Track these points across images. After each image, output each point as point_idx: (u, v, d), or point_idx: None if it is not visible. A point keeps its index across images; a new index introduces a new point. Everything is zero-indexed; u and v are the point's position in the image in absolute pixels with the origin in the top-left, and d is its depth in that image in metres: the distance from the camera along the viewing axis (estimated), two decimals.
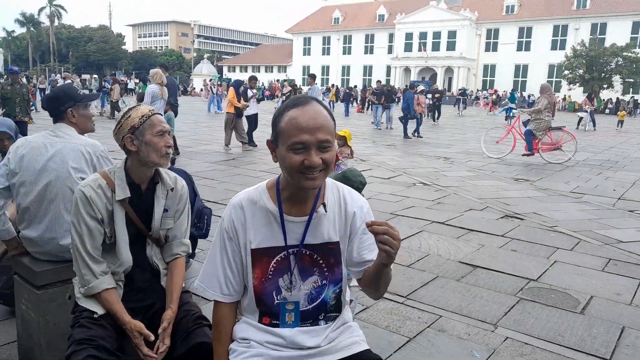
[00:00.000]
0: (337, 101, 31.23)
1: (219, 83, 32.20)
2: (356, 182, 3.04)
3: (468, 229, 5.44)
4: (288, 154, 1.41)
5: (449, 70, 52.85)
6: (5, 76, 16.11)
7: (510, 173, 9.34)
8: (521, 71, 51.30)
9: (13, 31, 78.18)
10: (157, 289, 2.05)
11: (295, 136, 1.39)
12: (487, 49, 53.19)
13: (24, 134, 6.82)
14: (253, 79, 12.23)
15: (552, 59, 48.11)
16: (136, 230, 2.00)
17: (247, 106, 11.57)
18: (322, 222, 1.56)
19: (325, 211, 1.56)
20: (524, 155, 10.94)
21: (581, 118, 21.90)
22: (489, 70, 53.18)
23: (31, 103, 12.13)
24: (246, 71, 69.60)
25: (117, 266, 1.96)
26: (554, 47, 48.79)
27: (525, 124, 11.30)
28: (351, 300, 2.98)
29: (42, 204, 2.41)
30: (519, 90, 43.97)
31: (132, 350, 1.88)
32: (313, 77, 14.17)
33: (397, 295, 3.63)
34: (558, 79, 46.06)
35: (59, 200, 2.41)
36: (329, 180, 1.59)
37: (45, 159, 2.41)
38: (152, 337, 1.87)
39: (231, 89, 11.40)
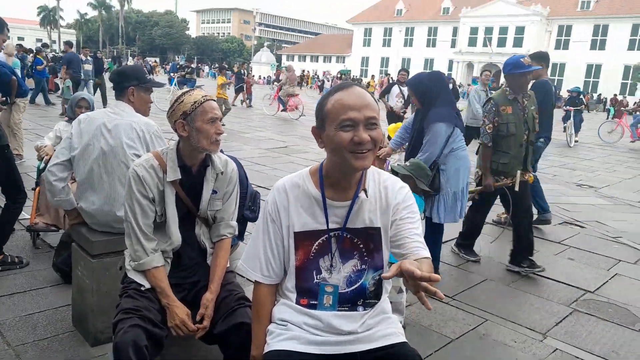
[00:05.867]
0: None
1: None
2: (429, 171, 3.21)
3: None
4: (337, 133, 1.43)
5: None
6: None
7: (572, 178, 8.88)
8: (593, 71, 48.52)
9: (86, 14, 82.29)
10: (203, 267, 2.10)
11: (343, 114, 1.42)
12: (557, 47, 50.50)
13: None
14: (404, 70, 10.19)
15: (628, 59, 45.12)
16: (186, 210, 2.05)
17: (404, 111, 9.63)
18: (364, 207, 1.57)
19: (367, 196, 1.56)
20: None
21: None
22: (558, 69, 50.59)
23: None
24: (305, 60, 69.86)
25: (167, 244, 2.02)
26: (631, 47, 45.58)
27: None
28: (401, 289, 2.94)
29: (99, 177, 2.53)
30: (589, 92, 41.62)
31: None
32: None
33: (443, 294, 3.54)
34: (634, 82, 43.21)
35: (114, 174, 2.52)
36: (369, 168, 1.59)
37: (102, 135, 2.52)
38: (192, 327, 1.92)
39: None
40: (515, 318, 3.28)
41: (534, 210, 4.80)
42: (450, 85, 17.66)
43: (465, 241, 4.39)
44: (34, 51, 15.15)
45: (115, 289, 2.06)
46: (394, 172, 3.15)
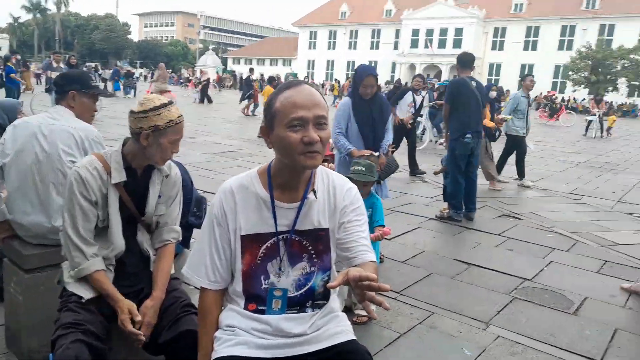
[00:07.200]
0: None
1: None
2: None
3: (464, 227, 5.42)
4: (286, 133, 1.41)
5: (454, 68, 52.39)
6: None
7: (509, 172, 9.28)
8: (527, 70, 51.03)
9: (19, 17, 77.62)
10: (146, 275, 2.04)
11: (292, 113, 1.40)
12: (493, 48, 52.87)
13: None
14: (419, 77, 9.29)
15: (558, 59, 47.78)
16: (128, 215, 1.99)
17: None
18: (313, 209, 1.55)
19: (316, 197, 1.55)
20: None
21: (590, 121, 19.14)
22: (495, 69, 52.92)
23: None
24: (251, 63, 69.34)
25: (109, 250, 1.95)
26: (561, 47, 48.41)
27: None
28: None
29: (33, 185, 2.38)
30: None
31: (118, 336, 1.87)
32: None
33: (391, 290, 3.61)
34: (563, 80, 45.86)
35: (49, 182, 2.39)
36: (318, 168, 1.58)
37: (37, 141, 2.38)
38: (139, 318, 1.87)
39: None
40: (460, 309, 3.40)
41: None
42: (386, 88, 17.17)
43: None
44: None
45: (51, 305, 1.96)
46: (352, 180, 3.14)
